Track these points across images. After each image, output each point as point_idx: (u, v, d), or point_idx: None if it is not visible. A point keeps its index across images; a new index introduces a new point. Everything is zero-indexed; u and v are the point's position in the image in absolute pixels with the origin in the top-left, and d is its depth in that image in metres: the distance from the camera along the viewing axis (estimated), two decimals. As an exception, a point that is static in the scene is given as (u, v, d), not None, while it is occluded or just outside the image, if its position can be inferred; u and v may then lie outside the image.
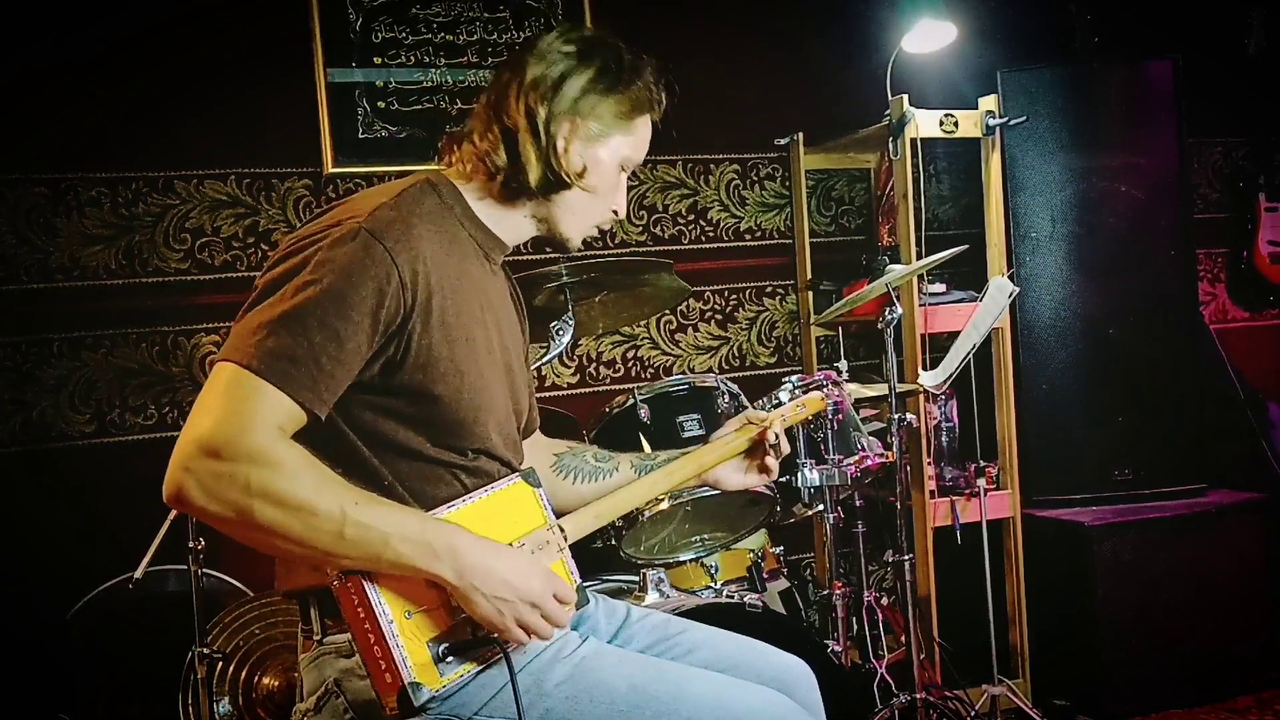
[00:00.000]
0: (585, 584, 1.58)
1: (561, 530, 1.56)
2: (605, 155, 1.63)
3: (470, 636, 1.43)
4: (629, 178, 1.71)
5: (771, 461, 1.85)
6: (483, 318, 1.59)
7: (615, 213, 1.71)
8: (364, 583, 1.36)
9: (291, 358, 1.35)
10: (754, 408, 2.23)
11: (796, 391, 2.25)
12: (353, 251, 1.41)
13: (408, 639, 1.37)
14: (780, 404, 2.08)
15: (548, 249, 1.96)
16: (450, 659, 1.41)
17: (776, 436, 1.83)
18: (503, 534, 1.48)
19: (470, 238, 1.62)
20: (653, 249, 3.64)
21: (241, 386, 1.34)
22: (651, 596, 2.40)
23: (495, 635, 1.42)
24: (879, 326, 2.75)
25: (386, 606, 1.36)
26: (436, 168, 1.67)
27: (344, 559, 1.35)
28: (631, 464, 1.85)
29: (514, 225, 1.67)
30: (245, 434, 1.31)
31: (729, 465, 1.85)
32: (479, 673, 1.45)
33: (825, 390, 2.17)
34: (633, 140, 1.65)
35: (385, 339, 1.44)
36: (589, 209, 1.66)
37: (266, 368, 1.34)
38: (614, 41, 1.63)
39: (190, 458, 1.31)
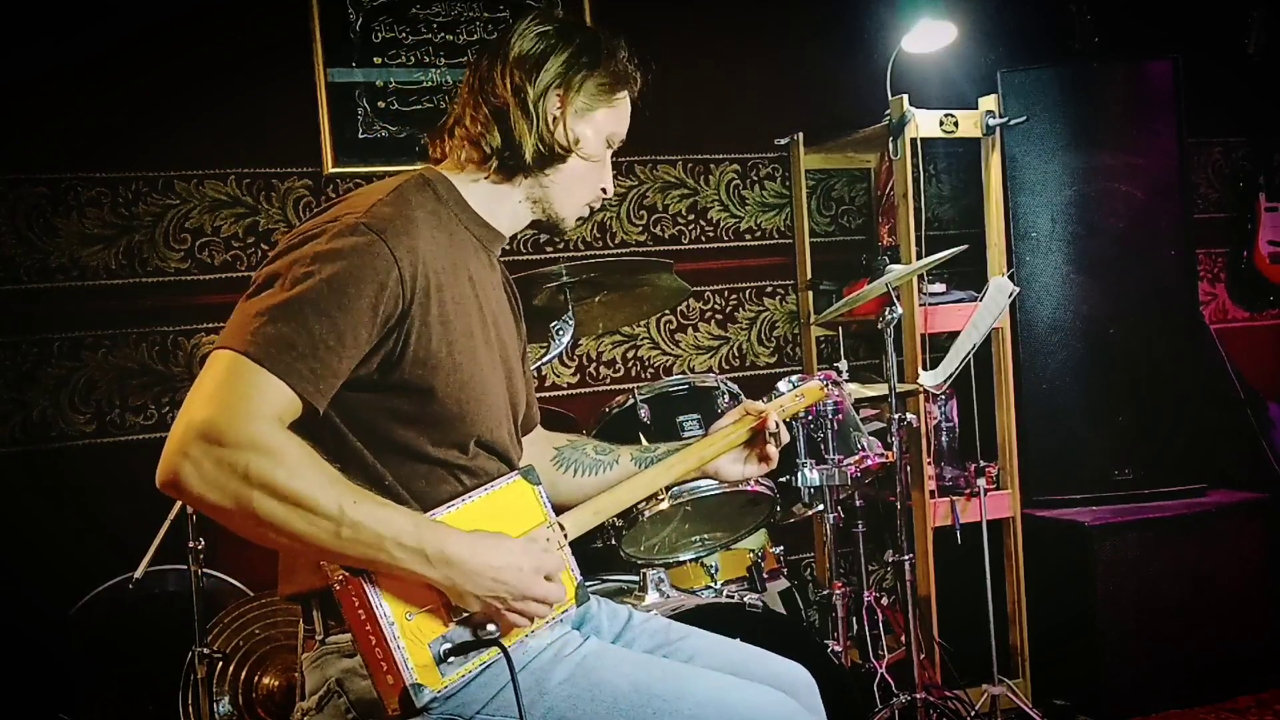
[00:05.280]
0: (585, 583, 1.58)
1: (561, 528, 1.56)
2: (591, 131, 1.65)
3: (471, 637, 1.43)
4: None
5: (772, 450, 1.84)
6: (480, 313, 1.59)
7: (604, 191, 1.73)
8: (365, 585, 1.36)
9: (290, 346, 1.34)
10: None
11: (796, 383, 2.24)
12: (352, 245, 1.41)
13: (409, 640, 1.37)
14: (780, 394, 2.07)
15: (544, 237, 1.96)
16: (452, 659, 1.41)
17: (777, 425, 1.82)
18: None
19: (466, 231, 1.62)
20: (653, 249, 3.64)
21: (241, 373, 1.33)
22: (651, 596, 2.40)
23: (496, 633, 1.42)
24: (879, 326, 2.75)
25: (387, 608, 1.36)
26: (429, 165, 1.68)
27: (339, 557, 1.35)
28: (631, 456, 1.85)
29: (509, 211, 1.67)
30: (247, 421, 1.30)
31: (728, 456, 1.85)
32: (480, 672, 1.45)
33: (823, 382, 2.17)
34: (616, 114, 1.69)
35: (384, 333, 1.44)
36: (582, 186, 1.68)
37: (266, 355, 1.33)
38: (583, 23, 1.66)
39: (189, 443, 1.29)
